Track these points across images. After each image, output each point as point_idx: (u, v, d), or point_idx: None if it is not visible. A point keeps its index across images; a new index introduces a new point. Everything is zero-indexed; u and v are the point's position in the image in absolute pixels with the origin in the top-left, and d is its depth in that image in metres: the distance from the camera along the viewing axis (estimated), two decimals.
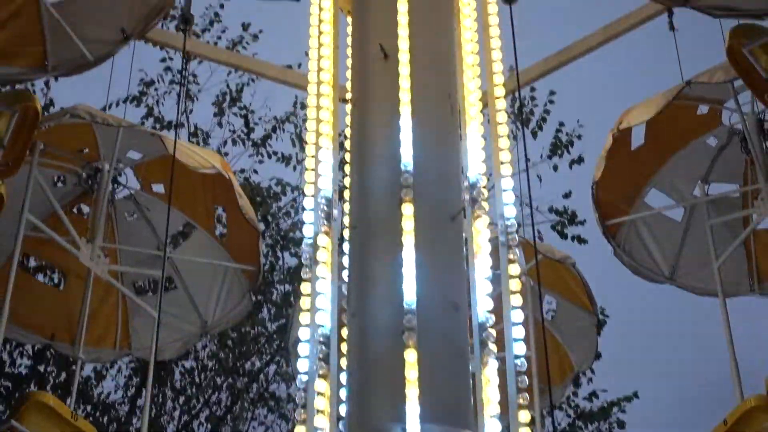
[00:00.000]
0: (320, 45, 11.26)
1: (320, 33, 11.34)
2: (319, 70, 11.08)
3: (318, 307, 9.22)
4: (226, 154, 26.01)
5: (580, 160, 25.59)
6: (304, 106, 23.87)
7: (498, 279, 9.62)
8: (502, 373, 8.92)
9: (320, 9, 11.49)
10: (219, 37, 26.52)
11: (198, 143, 25.66)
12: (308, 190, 10.25)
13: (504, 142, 10.40)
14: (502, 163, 10.24)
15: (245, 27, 26.78)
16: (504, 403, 8.70)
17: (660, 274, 15.35)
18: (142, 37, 12.71)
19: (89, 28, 12.37)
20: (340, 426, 8.81)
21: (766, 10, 11.88)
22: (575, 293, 16.50)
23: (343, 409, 8.92)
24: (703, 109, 14.77)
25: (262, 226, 20.33)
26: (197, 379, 26.36)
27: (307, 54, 11.99)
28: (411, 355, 8.42)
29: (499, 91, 10.97)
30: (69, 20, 12.11)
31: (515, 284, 9.58)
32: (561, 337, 16.82)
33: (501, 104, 10.86)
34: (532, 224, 14.60)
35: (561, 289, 16.56)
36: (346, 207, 10.41)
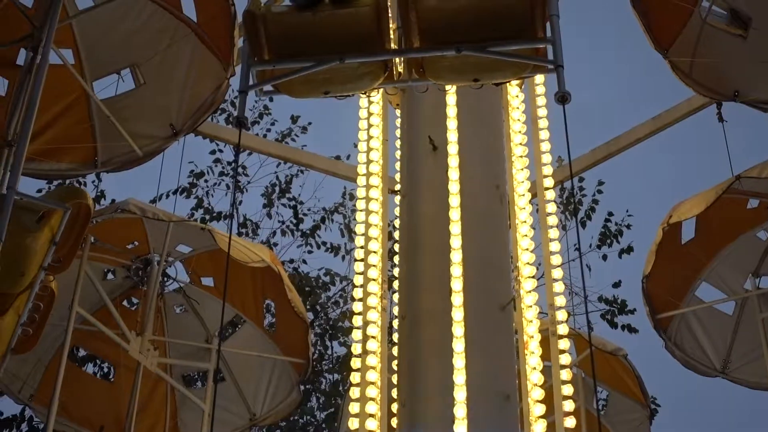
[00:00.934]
0: (369, 138, 11.37)
1: (369, 126, 11.46)
2: (369, 162, 11.17)
3: (368, 397, 9.19)
4: (275, 245, 26.15)
5: (629, 249, 25.47)
6: (352, 197, 24.03)
7: (549, 370, 9.56)
8: None
9: (369, 102, 11.61)
10: (269, 130, 26.82)
11: (247, 234, 25.82)
12: (357, 280, 10.28)
13: (554, 233, 10.40)
14: (552, 253, 10.22)
15: (294, 119, 27.08)
16: None
17: (712, 368, 15.15)
18: (191, 132, 12.90)
19: (139, 123, 12.54)
20: None
21: None
22: (627, 385, 16.29)
23: None
24: (753, 202, 14.67)
25: (310, 316, 20.29)
26: None
27: (356, 145, 12.12)
28: None
29: (548, 182, 11.00)
30: (119, 116, 12.29)
31: (566, 374, 9.52)
32: (613, 428, 16.60)
33: (550, 195, 10.89)
34: (586, 314, 14.48)
35: (613, 381, 16.36)
36: (396, 297, 10.41)
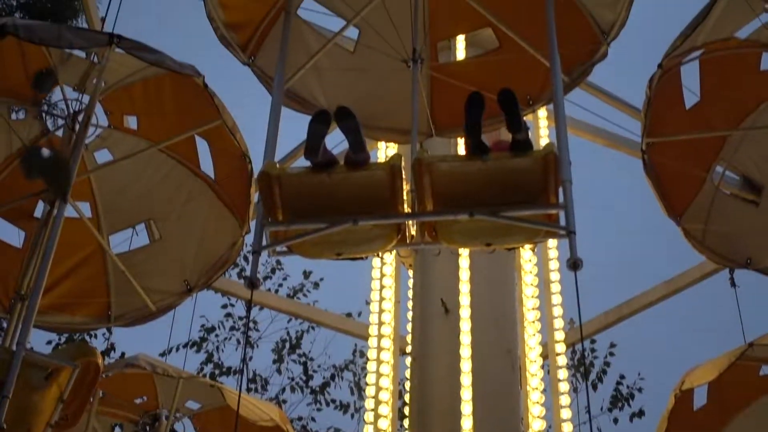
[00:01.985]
0: (382, 299, 11.38)
1: (382, 287, 11.49)
2: (381, 323, 11.15)
3: None
4: (284, 402, 25.92)
5: (640, 413, 25.20)
6: (363, 354, 23.91)
7: None
8: None
9: (382, 263, 11.65)
10: (280, 285, 26.90)
11: (257, 390, 25.62)
12: None
13: (565, 399, 10.30)
14: (563, 420, 10.11)
15: (307, 275, 27.19)
16: None
17: None
18: (205, 288, 12.92)
19: (153, 279, 12.56)
20: None
21: None
22: None
23: None
24: (765, 369, 14.53)
25: None
26: None
27: (367, 302, 12.10)
28: None
29: (560, 347, 10.95)
30: (134, 271, 12.32)
31: None
32: None
33: (562, 360, 10.83)
34: None
35: None
36: None
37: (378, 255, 11.26)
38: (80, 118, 11.06)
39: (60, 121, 11.91)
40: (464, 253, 11.15)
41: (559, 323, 11.29)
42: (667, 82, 11.29)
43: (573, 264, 7.86)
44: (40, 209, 11.76)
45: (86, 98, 11.38)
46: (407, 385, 11.06)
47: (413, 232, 8.62)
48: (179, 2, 14.93)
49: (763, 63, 11.78)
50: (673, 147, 11.78)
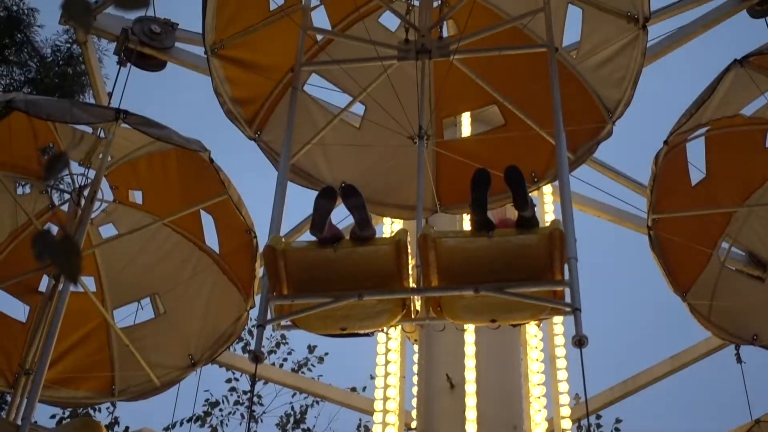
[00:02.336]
0: (387, 374, 11.32)
1: (387, 362, 11.43)
2: (386, 399, 11.08)
3: None
4: None
5: None
6: (368, 430, 23.73)
7: None
8: None
9: (387, 337, 11.62)
10: (285, 359, 26.80)
11: None
12: None
13: None
14: None
15: (311, 349, 27.10)
16: None
17: None
18: (209, 362, 12.86)
19: (158, 353, 12.52)
20: None
21: None
22: None
23: None
24: None
25: None
26: None
27: (372, 377, 12.02)
28: None
29: (566, 423, 10.88)
30: (138, 345, 12.29)
31: None
32: None
33: None
34: None
35: None
36: None
37: (383, 330, 11.22)
38: (86, 192, 11.12)
39: (65, 196, 11.98)
40: (469, 328, 11.12)
41: (564, 399, 11.22)
42: (672, 159, 11.35)
43: (578, 341, 7.82)
44: (44, 283, 11.79)
45: (92, 173, 11.45)
46: None
47: (418, 308, 8.60)
48: (186, 75, 14.93)
49: None
50: (679, 223, 11.81)
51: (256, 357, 8.28)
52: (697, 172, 11.91)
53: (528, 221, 8.29)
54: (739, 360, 13.13)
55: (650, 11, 10.72)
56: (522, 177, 8.30)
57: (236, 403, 26.28)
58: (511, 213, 11.89)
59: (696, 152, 11.80)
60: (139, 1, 2.69)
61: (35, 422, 9.30)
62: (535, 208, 8.52)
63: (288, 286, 8.38)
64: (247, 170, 14.60)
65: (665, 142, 11.05)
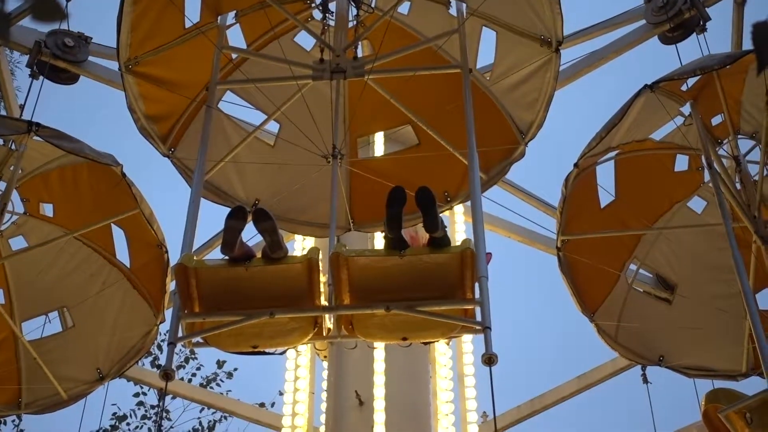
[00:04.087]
0: (296, 390, 11.32)
1: (296, 378, 11.43)
2: (294, 414, 11.08)
3: None
4: None
5: None
6: None
7: None
8: None
9: (297, 354, 11.61)
10: (194, 374, 26.63)
11: None
12: None
13: None
14: None
15: (220, 364, 26.97)
16: None
17: None
18: (117, 376, 12.74)
19: (66, 366, 12.37)
20: None
21: (740, 371, 12.11)
22: None
23: None
24: None
25: None
26: None
27: (281, 393, 12.01)
28: None
29: None
30: (46, 358, 12.14)
31: None
32: None
33: None
34: None
35: None
36: None
37: (294, 348, 11.22)
38: None
39: None
40: (379, 345, 11.17)
41: (473, 416, 11.32)
42: (582, 181, 11.53)
43: (488, 359, 7.90)
44: None
45: (2, 185, 11.31)
46: None
47: (330, 325, 8.63)
48: (99, 90, 14.81)
49: (678, 164, 12.08)
50: (588, 245, 11.99)
51: (167, 375, 8.24)
52: (606, 195, 12.10)
53: (439, 241, 8.38)
54: (645, 380, 13.34)
55: (563, 35, 10.90)
56: (433, 199, 8.37)
57: (144, 417, 26.07)
58: (423, 232, 12.05)
59: (606, 175, 12.00)
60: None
61: None
62: (446, 229, 8.60)
63: (199, 303, 8.36)
64: (161, 184, 14.51)
65: (575, 165, 11.22)
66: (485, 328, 8.04)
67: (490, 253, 9.77)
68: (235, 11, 11.76)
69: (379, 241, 13.71)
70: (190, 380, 25.96)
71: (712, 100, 11.16)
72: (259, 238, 8.50)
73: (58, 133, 10.60)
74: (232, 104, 12.18)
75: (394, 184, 8.69)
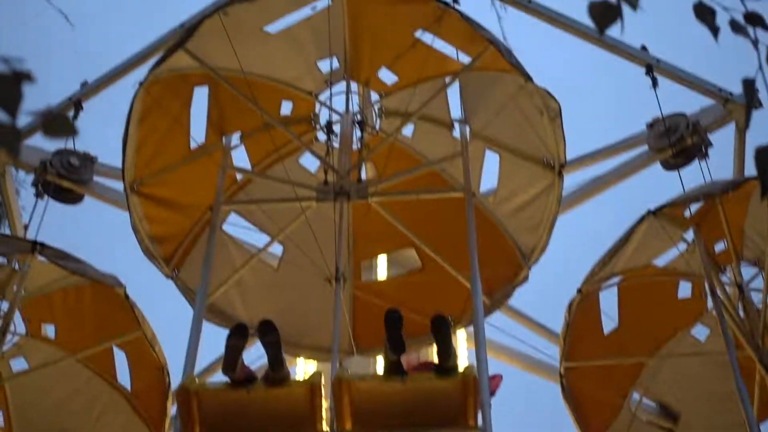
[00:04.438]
0: None
1: None
2: None
3: None
4: None
5: None
6: None
7: None
8: None
9: None
10: None
11: None
12: None
13: None
14: None
15: None
16: None
17: None
18: None
19: None
20: None
21: None
22: None
23: None
24: None
25: None
26: None
27: None
28: None
29: None
30: None
31: None
32: None
33: None
34: None
35: None
36: None
37: None
38: None
39: None
40: None
41: None
42: (585, 308, 11.48)
43: None
44: None
45: (5, 305, 11.26)
46: None
47: None
48: (103, 208, 14.85)
49: (681, 291, 12.04)
50: (591, 372, 11.88)
51: None
52: (609, 321, 12.04)
53: (449, 371, 8.28)
54: None
55: (566, 159, 10.95)
56: (448, 329, 8.33)
57: None
58: (425, 355, 11.97)
59: (609, 301, 11.96)
60: (66, 128, 2.70)
61: None
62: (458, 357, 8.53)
63: (200, 427, 8.27)
64: (164, 303, 14.45)
65: (579, 291, 11.20)
66: None
67: (500, 375, 9.69)
68: (240, 132, 11.88)
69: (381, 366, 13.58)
70: None
71: (715, 227, 11.17)
72: (262, 361, 8.44)
73: (62, 254, 10.61)
74: (236, 227, 12.21)
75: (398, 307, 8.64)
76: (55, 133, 2.69)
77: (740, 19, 3.01)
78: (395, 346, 8.19)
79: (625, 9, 2.77)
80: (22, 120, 2.63)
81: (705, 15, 3.01)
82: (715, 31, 3.02)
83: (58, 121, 2.69)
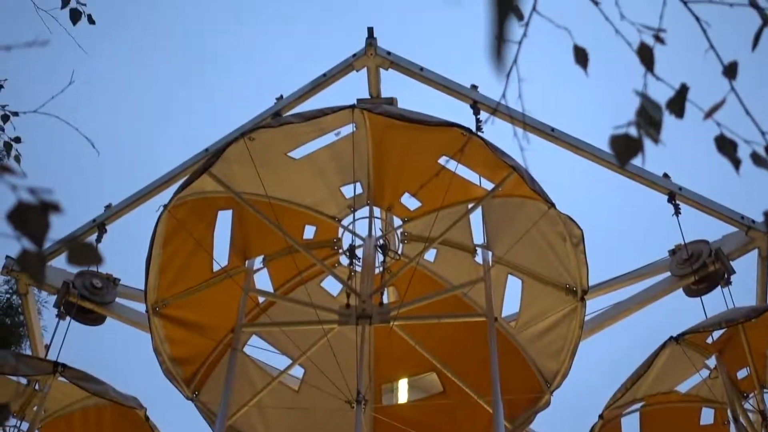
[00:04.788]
0: None
1: None
2: None
3: None
4: None
5: None
6: None
7: None
8: None
9: None
10: None
11: None
12: None
13: None
14: None
15: None
16: None
17: None
18: None
19: None
20: None
21: None
22: None
23: None
24: None
25: None
26: None
27: None
28: None
29: None
30: None
31: None
32: None
33: None
34: None
35: None
36: None
37: None
38: None
39: None
40: None
41: None
42: None
43: None
44: None
45: (25, 425, 11.22)
46: None
47: None
48: (125, 329, 14.80)
49: (704, 417, 11.92)
50: None
51: None
52: None
53: None
54: None
55: (588, 284, 10.96)
56: None
57: None
58: None
59: (631, 427, 11.84)
60: (91, 257, 2.73)
61: None
62: None
63: None
64: (185, 424, 14.37)
65: (600, 416, 11.10)
66: None
67: None
68: (263, 256, 11.96)
69: None
70: None
71: (738, 353, 11.11)
72: None
73: (83, 375, 10.61)
74: (257, 348, 12.21)
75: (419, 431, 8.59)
76: (81, 261, 2.73)
77: (761, 151, 3.06)
78: None
79: (647, 141, 2.82)
80: (47, 245, 2.68)
81: (726, 147, 3.06)
82: (736, 163, 3.07)
83: (84, 249, 2.72)
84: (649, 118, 2.80)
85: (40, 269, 2.71)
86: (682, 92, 2.99)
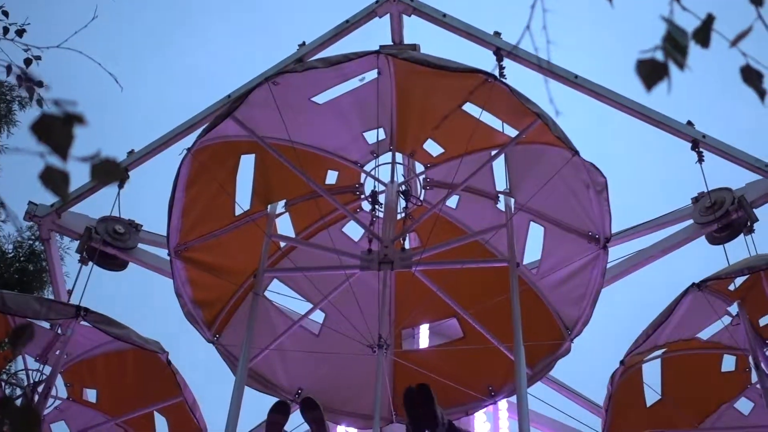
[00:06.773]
0: None
1: None
2: None
3: None
4: None
5: None
6: None
7: None
8: None
9: None
10: None
11: None
12: None
13: None
14: None
15: None
16: None
17: None
18: None
19: None
20: None
21: None
22: None
23: None
24: None
25: None
26: None
27: None
28: None
29: None
30: None
31: None
32: None
33: None
34: None
35: None
36: None
37: None
38: (40, 388, 10.94)
39: (18, 390, 11.79)
40: None
41: None
42: (628, 380, 11.38)
43: None
44: None
45: (47, 369, 11.30)
46: None
47: None
48: (148, 275, 14.88)
49: (725, 364, 11.92)
50: None
51: None
52: (652, 394, 11.92)
53: None
54: None
55: (611, 232, 10.94)
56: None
57: None
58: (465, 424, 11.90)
59: (652, 373, 11.85)
60: (115, 173, 2.70)
61: None
62: (490, 424, 8.51)
63: None
64: (206, 368, 14.47)
65: (621, 362, 11.11)
66: None
67: None
68: (285, 200, 11.97)
69: None
70: None
71: (760, 301, 11.07)
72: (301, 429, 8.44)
73: (105, 319, 10.67)
74: (278, 294, 12.25)
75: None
76: (105, 178, 2.70)
77: None
78: (414, 426, 8.21)
79: (672, 68, 2.80)
80: (72, 166, 2.65)
81: (752, 78, 3.04)
82: (762, 93, 3.04)
83: (107, 165, 2.70)
84: (675, 43, 2.77)
85: (64, 186, 2.69)
86: (708, 21, 2.96)
